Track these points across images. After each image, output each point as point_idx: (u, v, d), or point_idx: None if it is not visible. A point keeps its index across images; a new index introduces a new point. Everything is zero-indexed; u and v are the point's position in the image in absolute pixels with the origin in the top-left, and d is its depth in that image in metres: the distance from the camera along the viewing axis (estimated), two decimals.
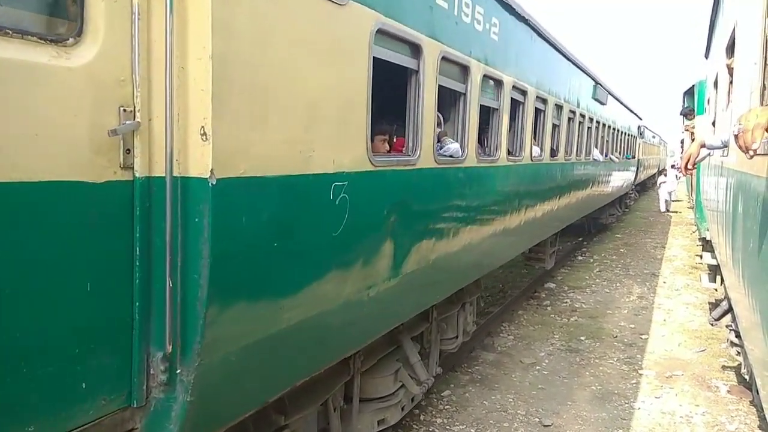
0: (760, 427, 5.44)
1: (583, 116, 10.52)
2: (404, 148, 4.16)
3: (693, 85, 12.54)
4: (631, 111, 19.99)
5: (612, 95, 14.19)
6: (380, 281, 3.70)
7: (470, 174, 5.14)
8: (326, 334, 3.30)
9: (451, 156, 4.78)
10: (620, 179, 17.81)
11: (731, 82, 4.98)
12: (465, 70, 4.85)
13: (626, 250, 15.39)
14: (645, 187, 33.66)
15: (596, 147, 12.26)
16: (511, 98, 6.13)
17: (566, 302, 9.88)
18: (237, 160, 2.40)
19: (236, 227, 2.44)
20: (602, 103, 12.57)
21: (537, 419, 5.61)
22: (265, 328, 2.73)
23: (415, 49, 3.94)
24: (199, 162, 2.28)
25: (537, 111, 7.32)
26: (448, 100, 5.01)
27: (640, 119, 23.37)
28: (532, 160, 7.09)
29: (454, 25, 4.50)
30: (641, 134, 24.33)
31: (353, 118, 3.24)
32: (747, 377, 5.88)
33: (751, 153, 2.19)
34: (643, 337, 8.17)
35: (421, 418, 5.57)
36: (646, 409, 5.92)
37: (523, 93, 6.57)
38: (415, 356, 5.05)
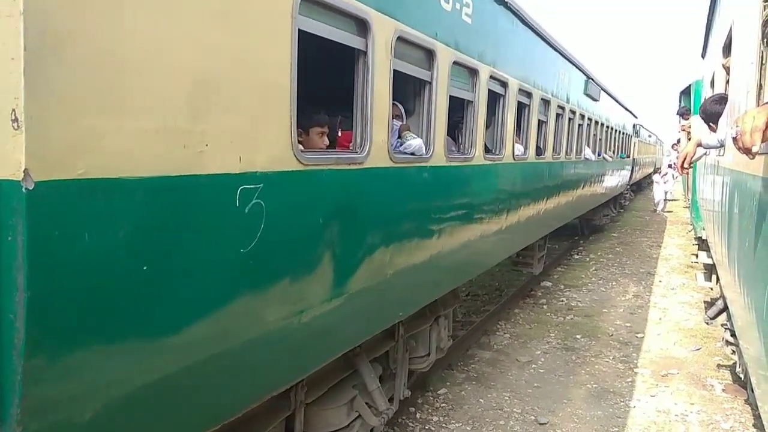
0: (754, 425, 5.47)
1: (573, 113, 9.90)
2: (351, 144, 3.53)
3: (689, 85, 12.57)
4: (626, 109, 19.29)
5: (605, 91, 13.58)
6: (317, 303, 3.14)
7: (438, 174, 4.55)
8: (244, 368, 2.72)
9: (413, 154, 4.18)
10: (614, 179, 17.13)
11: (728, 82, 4.99)
12: (430, 54, 4.22)
13: (622, 249, 15.42)
14: (641, 186, 33.47)
15: (588, 145, 11.65)
16: (489, 90, 5.52)
17: (562, 301, 9.90)
18: (72, 157, 1.79)
19: (72, 248, 1.82)
20: (595, 100, 11.98)
21: (533, 417, 5.62)
22: (141, 375, 2.13)
23: (362, 26, 3.35)
24: (9, 159, 1.68)
25: (520, 105, 6.77)
26: (411, 90, 4.46)
27: (636, 117, 22.72)
28: (514, 159, 6.55)
29: (412, 0, 3.92)
30: (637, 133, 23.73)
31: (271, 105, 2.63)
32: (742, 376, 5.89)
33: (751, 155, 2.20)
34: (639, 335, 8.19)
35: (418, 416, 5.58)
36: (642, 407, 5.93)
37: (504, 85, 6.00)
38: (373, 382, 4.42)
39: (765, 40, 2.15)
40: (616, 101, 16.35)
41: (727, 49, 5.11)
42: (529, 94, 7.00)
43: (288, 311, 2.90)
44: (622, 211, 23.11)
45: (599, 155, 13.30)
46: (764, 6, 2.11)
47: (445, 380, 6.38)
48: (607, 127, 14.62)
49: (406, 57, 3.88)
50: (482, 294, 10.03)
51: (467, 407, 5.79)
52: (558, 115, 8.77)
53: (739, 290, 3.47)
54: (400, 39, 3.72)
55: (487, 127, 5.74)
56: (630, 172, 21.82)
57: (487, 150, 5.76)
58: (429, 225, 4.48)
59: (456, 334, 7.76)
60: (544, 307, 9.48)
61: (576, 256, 14.10)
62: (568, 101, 9.37)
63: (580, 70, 10.40)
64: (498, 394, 6.10)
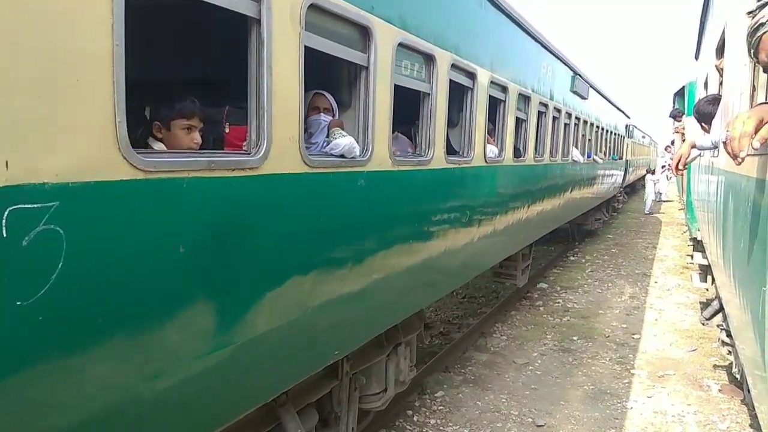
0: (751, 425, 5.48)
1: (558, 111, 8.96)
2: (245, 143, 2.72)
3: (683, 86, 12.62)
4: (618, 108, 18.30)
5: (595, 89, 12.66)
6: (184, 360, 2.37)
7: (379, 181, 3.70)
8: None
9: (342, 156, 3.31)
10: (606, 182, 16.23)
11: (721, 84, 5.01)
12: (364, 32, 3.44)
13: (618, 250, 15.46)
14: (635, 188, 33.23)
15: (576, 147, 10.77)
16: (451, 80, 4.67)
17: (558, 302, 9.92)
18: None
19: None
20: (583, 98, 11.05)
21: (530, 419, 5.62)
22: None
23: None
24: None
25: (493, 101, 5.93)
26: (345, 77, 3.71)
27: (628, 118, 21.83)
28: (486, 161, 5.72)
29: None
30: (630, 134, 23.04)
31: (76, 86, 1.82)
32: (738, 376, 5.91)
33: (739, 160, 2.22)
34: (635, 336, 8.21)
35: (415, 419, 5.57)
36: (639, 408, 5.94)
37: (471, 76, 5.17)
38: None
39: (751, 50, 2.16)
40: (607, 100, 15.46)
41: (720, 51, 5.14)
42: (504, 89, 6.17)
43: (133, 375, 2.14)
44: (615, 214, 22.48)
45: (588, 157, 12.45)
46: (749, 16, 2.12)
47: (442, 383, 6.37)
48: (598, 127, 13.77)
49: (324, 32, 3.09)
50: (479, 296, 10.04)
51: (464, 410, 5.79)
52: (540, 113, 7.95)
53: (735, 291, 3.48)
54: (314, 7, 2.92)
55: (453, 125, 5.15)
56: (623, 174, 21.05)
57: (450, 152, 4.94)
58: (367, 241, 3.66)
59: (452, 336, 7.78)
60: (541, 308, 9.48)
61: (572, 258, 14.13)
62: (552, 98, 8.46)
63: (566, 65, 9.50)
64: (495, 397, 6.10)
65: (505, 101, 6.30)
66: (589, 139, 12.62)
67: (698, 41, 8.68)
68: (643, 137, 33.46)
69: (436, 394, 6.08)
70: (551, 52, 8.34)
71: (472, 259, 5.83)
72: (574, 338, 8.01)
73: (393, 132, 3.90)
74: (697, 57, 9.31)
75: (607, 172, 16.12)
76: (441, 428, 5.42)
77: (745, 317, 3.03)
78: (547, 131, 8.41)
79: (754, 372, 2.98)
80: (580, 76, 10.55)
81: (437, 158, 4.51)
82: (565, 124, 9.67)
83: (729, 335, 5.80)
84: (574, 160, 10.51)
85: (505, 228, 6.67)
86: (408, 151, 4.59)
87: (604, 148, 15.12)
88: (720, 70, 5.11)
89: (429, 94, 4.39)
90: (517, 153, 7.12)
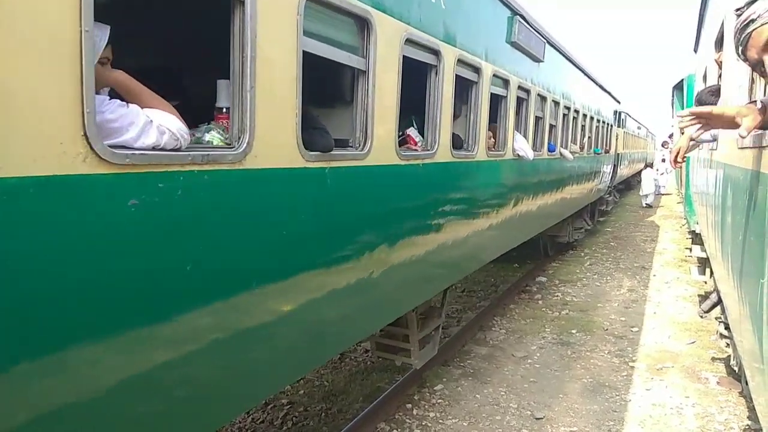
0: (749, 417, 5.50)
1: (476, 70, 5.30)
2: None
3: (682, 80, 12.62)
4: (603, 88, 14.42)
5: (559, 51, 8.95)
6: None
7: (204, 192, 2.42)
8: None
9: (162, 151, 2.24)
10: (586, 182, 12.76)
11: (720, 77, 5.01)
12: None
13: (616, 243, 15.47)
14: (630, 185, 30.95)
15: (521, 134, 7.20)
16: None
17: (557, 296, 9.93)
18: None
19: None
20: (535, 60, 7.31)
21: (529, 412, 5.64)
22: None
23: None
24: None
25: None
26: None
27: (618, 102, 18.31)
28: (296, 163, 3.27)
29: None
30: (621, 122, 19.49)
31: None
32: (736, 369, 5.93)
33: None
34: (634, 329, 8.23)
35: (414, 412, 5.59)
36: (637, 401, 5.96)
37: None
38: None
39: (739, 48, 2.17)
40: (585, 74, 11.68)
41: (719, 44, 5.13)
42: (363, 23, 3.45)
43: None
44: (602, 219, 18.84)
45: (552, 150, 8.91)
46: (737, 13, 2.13)
47: (441, 376, 6.39)
48: (568, 108, 9.95)
49: None
50: (477, 290, 10.05)
51: (464, 403, 5.81)
52: (431, 68, 4.49)
53: (733, 283, 3.49)
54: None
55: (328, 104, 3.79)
56: (612, 171, 17.55)
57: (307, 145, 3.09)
58: (207, 279, 2.51)
59: (451, 330, 7.80)
60: (540, 302, 9.50)
61: (570, 251, 14.15)
62: (453, 43, 4.70)
63: None
64: (494, 390, 6.12)
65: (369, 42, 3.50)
66: (552, 125, 8.98)
67: (697, 34, 8.66)
68: (639, 128, 30.01)
69: (435, 388, 6.10)
70: None
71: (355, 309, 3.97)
72: (573, 331, 8.03)
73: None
74: (696, 50, 9.30)
75: (588, 169, 12.73)
76: (440, 421, 5.44)
77: (743, 310, 3.04)
78: (438, 106, 4.61)
79: (752, 364, 2.99)
80: (524, 20, 6.57)
81: (251, 158, 2.82)
82: (501, 98, 6.32)
83: (727, 328, 5.82)
84: (518, 155, 6.86)
85: (387, 272, 4.06)
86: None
87: (580, 139, 11.47)
88: (719, 64, 5.11)
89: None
90: (359, 144, 3.79)
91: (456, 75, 4.83)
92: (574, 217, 12.69)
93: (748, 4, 2.09)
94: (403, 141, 4.64)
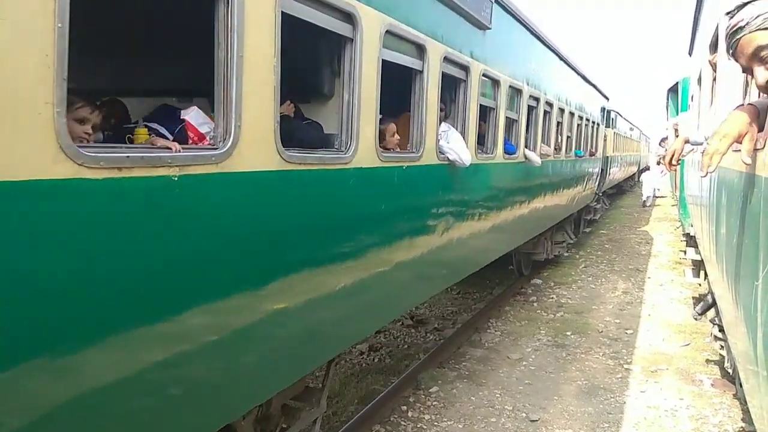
0: (743, 419, 5.51)
1: (349, 17, 3.36)
2: None
3: (677, 83, 12.67)
4: (587, 81, 12.47)
5: (521, 22, 6.97)
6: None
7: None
8: None
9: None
10: (566, 189, 10.81)
11: (715, 79, 5.02)
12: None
13: (611, 245, 15.51)
14: (622, 189, 28.76)
15: (462, 132, 5.22)
16: None
17: (552, 298, 9.94)
18: None
19: None
20: (478, 25, 5.39)
21: (524, 414, 5.64)
22: None
23: None
24: None
25: None
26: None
27: (606, 99, 16.29)
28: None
29: None
30: (610, 122, 17.84)
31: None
32: (730, 371, 5.94)
33: (704, 174, 2.34)
34: (629, 332, 8.24)
35: (409, 414, 5.58)
36: (632, 403, 5.97)
37: None
38: None
39: (730, 50, 2.18)
40: (562, 59, 9.68)
41: (714, 46, 5.14)
42: None
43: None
44: (588, 230, 16.75)
45: (510, 152, 6.99)
46: (728, 16, 2.13)
47: (436, 378, 6.38)
48: (536, 99, 7.94)
49: None
50: (473, 292, 10.05)
51: (459, 405, 5.80)
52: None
53: (727, 286, 3.49)
54: None
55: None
56: (599, 176, 15.51)
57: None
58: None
59: (446, 332, 7.80)
60: (535, 304, 9.51)
61: (566, 254, 14.17)
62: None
63: None
64: (489, 392, 6.11)
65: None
66: (513, 119, 7.11)
67: (692, 37, 8.69)
68: (631, 129, 28.18)
69: (430, 390, 6.08)
70: None
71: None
72: (568, 333, 8.03)
73: None
74: (690, 53, 9.33)
75: (568, 174, 10.86)
76: (435, 423, 5.43)
77: (737, 312, 3.04)
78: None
79: (746, 366, 2.99)
80: None
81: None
82: (403, 72, 4.29)
83: (721, 330, 5.83)
84: (451, 160, 4.94)
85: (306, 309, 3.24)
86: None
87: (556, 139, 9.58)
88: (714, 66, 5.13)
89: None
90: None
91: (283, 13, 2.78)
92: (554, 230, 11.29)
93: (738, 8, 2.09)
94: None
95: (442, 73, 4.71)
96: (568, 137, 10.53)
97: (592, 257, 13.79)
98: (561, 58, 9.63)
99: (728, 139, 2.28)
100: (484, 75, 5.72)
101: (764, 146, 2.19)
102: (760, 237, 2.24)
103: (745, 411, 5.51)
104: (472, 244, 6.02)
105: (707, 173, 2.32)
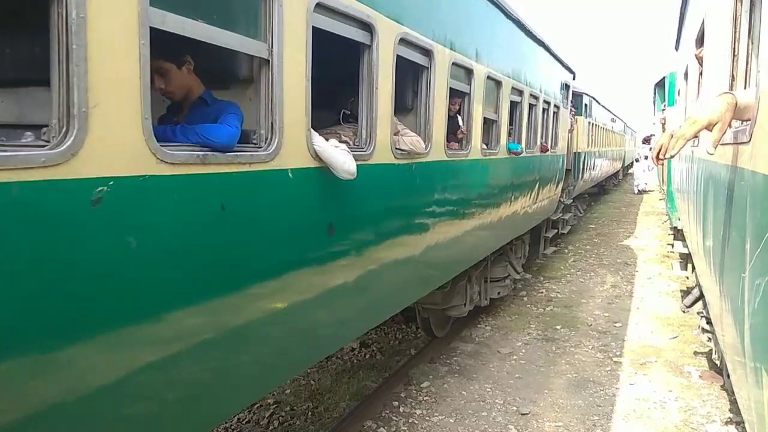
0: (731, 410, 5.58)
1: None
2: None
3: (663, 77, 12.74)
4: (531, 35, 7.69)
5: None
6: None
7: None
8: None
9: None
10: (504, 205, 6.96)
11: (701, 74, 5.06)
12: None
13: (600, 240, 15.60)
14: (604, 189, 26.26)
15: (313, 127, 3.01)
16: None
17: (542, 292, 9.99)
18: None
19: None
20: None
21: (515, 408, 5.67)
22: None
23: None
24: None
25: None
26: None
27: (571, 73, 11.40)
28: None
29: None
30: (583, 109, 14.32)
31: None
32: (718, 362, 6.01)
33: (663, 157, 2.33)
34: (617, 325, 8.30)
35: (401, 409, 5.59)
36: (621, 395, 6.02)
37: None
38: None
39: (750, 31, 2.16)
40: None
41: (700, 41, 5.18)
42: None
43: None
44: (558, 246, 13.36)
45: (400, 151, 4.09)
46: None
47: (427, 374, 6.40)
48: (426, 52, 4.39)
49: None
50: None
51: (450, 400, 5.82)
52: None
53: (714, 278, 3.53)
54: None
55: None
56: (565, 179, 11.75)
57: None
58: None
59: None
60: (525, 299, 9.55)
61: (555, 248, 14.25)
62: None
63: None
64: (480, 386, 6.14)
65: None
66: (375, 88, 3.69)
67: (678, 32, 8.74)
68: (613, 120, 24.19)
69: (422, 385, 6.10)
70: None
71: None
72: (558, 327, 8.08)
73: None
74: (677, 48, 9.38)
75: (504, 181, 7.04)
76: (427, 418, 5.45)
77: (724, 304, 3.07)
78: None
79: (733, 358, 3.02)
80: None
81: None
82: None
83: (709, 322, 5.89)
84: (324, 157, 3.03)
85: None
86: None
87: (468, 125, 5.59)
88: (700, 60, 5.16)
89: None
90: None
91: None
92: (488, 264, 7.72)
93: None
94: None
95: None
96: (495, 123, 6.55)
97: (580, 251, 13.87)
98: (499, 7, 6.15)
99: (696, 126, 2.27)
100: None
101: (750, 139, 2.20)
102: (746, 230, 2.27)
103: (733, 402, 5.58)
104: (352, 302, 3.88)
105: (666, 158, 2.35)
